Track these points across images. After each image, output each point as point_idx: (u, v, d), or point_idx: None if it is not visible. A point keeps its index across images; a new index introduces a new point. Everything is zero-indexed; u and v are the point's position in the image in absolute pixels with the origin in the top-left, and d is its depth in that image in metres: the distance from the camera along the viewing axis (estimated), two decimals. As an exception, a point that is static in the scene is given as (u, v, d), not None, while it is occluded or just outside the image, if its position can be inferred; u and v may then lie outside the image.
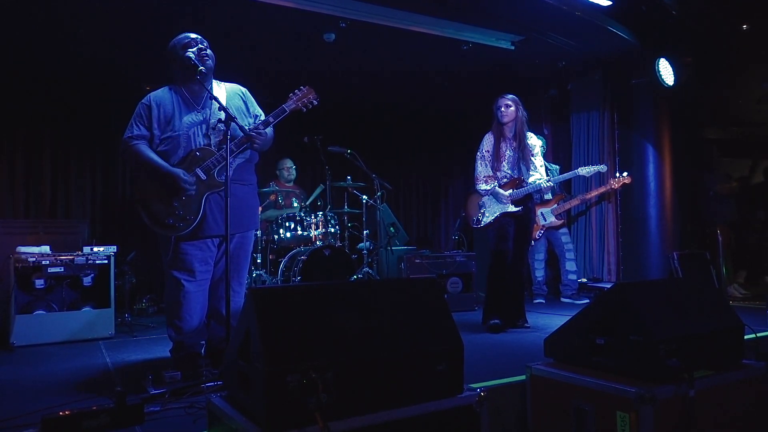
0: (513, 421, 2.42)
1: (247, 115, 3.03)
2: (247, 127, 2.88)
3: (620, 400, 1.96)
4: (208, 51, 2.91)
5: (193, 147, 2.86)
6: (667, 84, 5.57)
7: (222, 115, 2.74)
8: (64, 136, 6.06)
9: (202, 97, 2.92)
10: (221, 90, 2.99)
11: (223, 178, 2.79)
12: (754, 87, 6.93)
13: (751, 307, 5.05)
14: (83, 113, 6.07)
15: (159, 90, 2.96)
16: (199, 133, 2.88)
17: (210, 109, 2.91)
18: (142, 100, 2.92)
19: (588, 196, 5.86)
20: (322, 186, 5.89)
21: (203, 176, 2.83)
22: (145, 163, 2.82)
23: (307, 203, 5.86)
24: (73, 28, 4.66)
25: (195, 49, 2.86)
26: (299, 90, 3.01)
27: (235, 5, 4.36)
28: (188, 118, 2.88)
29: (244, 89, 3.11)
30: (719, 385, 2.16)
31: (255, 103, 3.12)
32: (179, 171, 2.79)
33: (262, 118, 3.02)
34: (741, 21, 5.50)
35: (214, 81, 2.98)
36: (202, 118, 2.89)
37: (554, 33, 5.14)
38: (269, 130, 2.96)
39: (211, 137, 2.88)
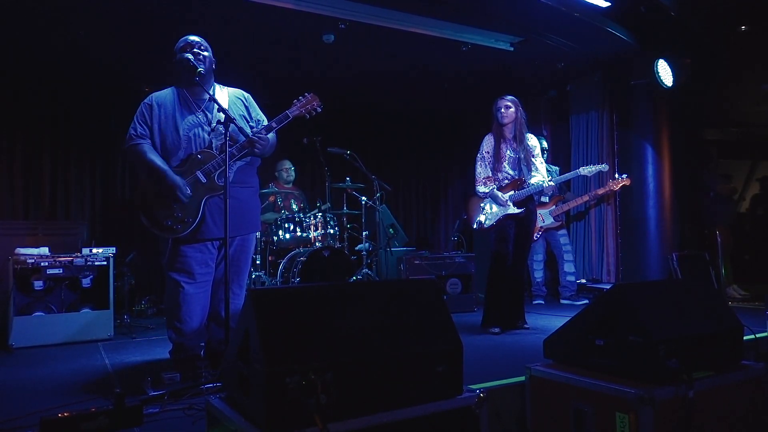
0: (512, 423, 2.41)
1: (249, 119, 3.03)
2: (248, 132, 2.88)
3: (619, 401, 1.96)
4: (205, 53, 2.91)
5: (194, 149, 2.86)
6: (666, 85, 5.58)
7: (222, 116, 2.74)
8: (64, 138, 6.05)
9: (203, 100, 2.92)
10: (223, 94, 2.99)
11: (223, 181, 2.80)
12: (753, 88, 6.94)
13: (751, 308, 5.05)
14: (83, 114, 6.07)
15: (162, 90, 2.97)
16: (200, 134, 2.88)
17: (211, 112, 2.91)
18: (144, 100, 2.93)
19: (586, 198, 5.86)
20: (329, 205, 5.82)
21: (203, 179, 2.83)
22: (147, 164, 2.82)
23: (309, 212, 5.81)
24: (74, 30, 4.66)
25: (192, 50, 2.87)
26: (303, 97, 3.01)
27: (234, 7, 4.36)
28: (189, 120, 2.88)
29: (246, 94, 3.11)
30: (719, 386, 2.16)
31: (257, 108, 3.11)
32: (180, 181, 2.78)
33: (265, 123, 3.02)
34: (740, 22, 5.51)
35: (216, 85, 2.99)
36: (202, 120, 2.90)
37: (553, 34, 5.14)
38: (271, 135, 2.96)
39: (213, 140, 2.89)
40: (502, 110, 4.10)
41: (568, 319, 2.40)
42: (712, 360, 2.22)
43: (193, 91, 2.93)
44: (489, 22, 4.95)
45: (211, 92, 2.87)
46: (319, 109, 3.03)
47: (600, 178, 5.93)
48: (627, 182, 5.44)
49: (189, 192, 2.80)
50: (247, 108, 3.06)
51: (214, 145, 2.88)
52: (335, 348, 1.68)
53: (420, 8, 4.63)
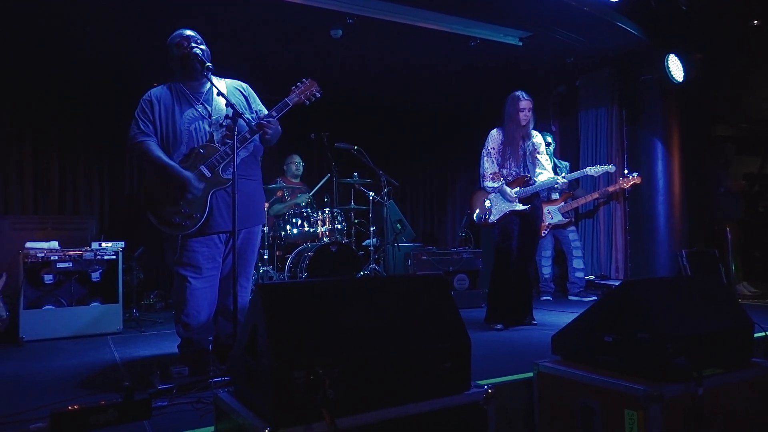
0: (520, 419, 2.41)
1: (248, 110, 3.01)
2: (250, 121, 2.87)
3: (628, 398, 1.95)
4: (203, 47, 2.90)
5: (195, 143, 2.84)
6: (676, 80, 5.53)
7: (229, 111, 2.73)
8: (72, 133, 6.09)
9: (202, 93, 2.91)
10: (221, 86, 2.96)
11: (228, 174, 2.79)
12: (764, 84, 6.87)
13: (761, 305, 5.02)
14: (91, 110, 6.10)
15: (158, 87, 2.95)
16: (201, 128, 2.87)
17: (211, 105, 2.90)
18: (144, 96, 2.91)
19: (596, 195, 5.82)
20: (328, 174, 5.88)
21: (208, 173, 2.81)
22: (153, 161, 2.81)
23: (311, 193, 5.85)
24: (81, 25, 4.67)
25: (199, 46, 2.86)
26: (301, 83, 2.98)
27: (241, 1, 4.35)
28: (189, 113, 2.86)
29: (245, 85, 3.09)
30: (728, 383, 2.14)
31: (257, 99, 3.09)
32: (191, 176, 2.77)
33: (264, 113, 3.01)
34: (751, 17, 5.45)
35: (213, 77, 2.97)
36: (203, 113, 2.88)
37: (562, 29, 5.11)
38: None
39: (214, 132, 2.88)
40: (526, 112, 4.07)
41: (577, 315, 2.39)
42: (722, 357, 2.21)
43: (190, 85, 2.91)
44: (498, 16, 4.92)
45: (208, 85, 2.86)
46: (318, 95, 2.99)
47: (609, 176, 5.89)
48: (638, 180, 5.35)
49: (201, 186, 2.79)
50: (246, 98, 3.03)
51: (215, 138, 2.87)
52: (343, 343, 1.68)
53: (428, 3, 4.61)
